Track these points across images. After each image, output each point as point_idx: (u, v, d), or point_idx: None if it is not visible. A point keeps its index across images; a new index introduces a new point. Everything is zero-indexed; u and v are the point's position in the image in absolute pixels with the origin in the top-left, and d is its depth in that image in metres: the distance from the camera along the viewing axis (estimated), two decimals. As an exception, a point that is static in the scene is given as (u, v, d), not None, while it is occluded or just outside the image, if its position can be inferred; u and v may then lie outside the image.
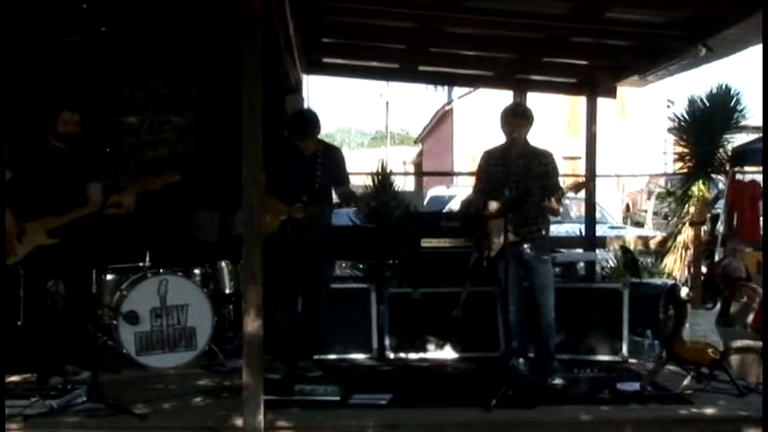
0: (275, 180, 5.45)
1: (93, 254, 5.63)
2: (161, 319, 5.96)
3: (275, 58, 7.08)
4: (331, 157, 5.88)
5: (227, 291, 6.56)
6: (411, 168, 32.40)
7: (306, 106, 8.46)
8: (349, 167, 6.13)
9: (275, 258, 5.31)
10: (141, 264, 6.18)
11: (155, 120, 7.75)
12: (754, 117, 10.35)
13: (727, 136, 9.70)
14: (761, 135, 9.24)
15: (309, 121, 5.83)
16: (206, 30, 7.43)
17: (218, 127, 7.55)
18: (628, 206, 19.08)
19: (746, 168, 9.05)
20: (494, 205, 5.78)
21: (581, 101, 8.50)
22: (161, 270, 6.08)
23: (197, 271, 6.38)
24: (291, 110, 7.06)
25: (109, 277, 6.27)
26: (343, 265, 9.29)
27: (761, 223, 8.44)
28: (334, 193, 5.94)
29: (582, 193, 7.18)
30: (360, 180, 10.03)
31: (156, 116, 7.74)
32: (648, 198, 17.20)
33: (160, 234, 6.43)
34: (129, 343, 5.91)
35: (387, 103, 35.51)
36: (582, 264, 8.19)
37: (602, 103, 8.36)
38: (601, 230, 10.10)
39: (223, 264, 6.55)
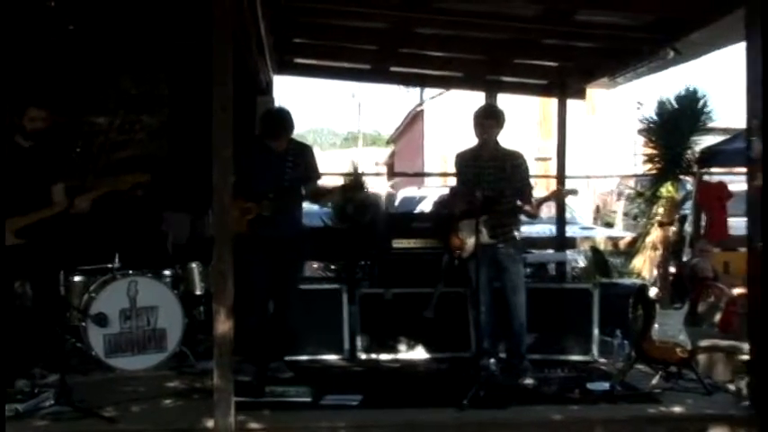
0: (245, 179, 5.42)
1: (60, 255, 5.56)
2: (130, 321, 5.91)
3: (247, 58, 7.07)
4: (302, 155, 5.86)
5: (198, 292, 6.52)
6: (383, 169, 32.44)
7: (278, 105, 8.43)
8: (321, 168, 6.10)
9: (246, 258, 5.29)
10: (110, 265, 6.11)
11: (125, 120, 7.68)
12: (720, 119, 10.51)
13: (695, 138, 9.85)
14: (728, 137, 9.37)
15: (283, 119, 5.81)
16: (177, 29, 7.38)
17: (189, 127, 7.50)
18: (598, 207, 19.23)
19: (714, 170, 9.18)
20: (466, 206, 5.81)
21: (553, 102, 8.56)
22: (130, 271, 6.03)
23: (167, 272, 6.33)
24: (263, 110, 7.03)
25: (77, 279, 6.20)
26: (315, 265, 9.28)
27: (728, 224, 8.56)
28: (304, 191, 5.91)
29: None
30: (332, 181, 10.01)
31: (127, 116, 7.67)
32: (618, 199, 17.35)
33: (130, 235, 6.37)
34: (97, 345, 5.85)
35: (359, 103, 35.75)
36: (552, 264, 8.26)
37: (573, 104, 8.44)
38: (571, 231, 10.22)
39: (194, 265, 6.51)
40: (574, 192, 6.23)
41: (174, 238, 6.80)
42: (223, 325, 4.51)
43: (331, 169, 11.19)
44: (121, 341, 5.89)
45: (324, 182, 6.30)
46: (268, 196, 5.62)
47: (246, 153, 5.55)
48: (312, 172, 5.90)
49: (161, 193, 6.53)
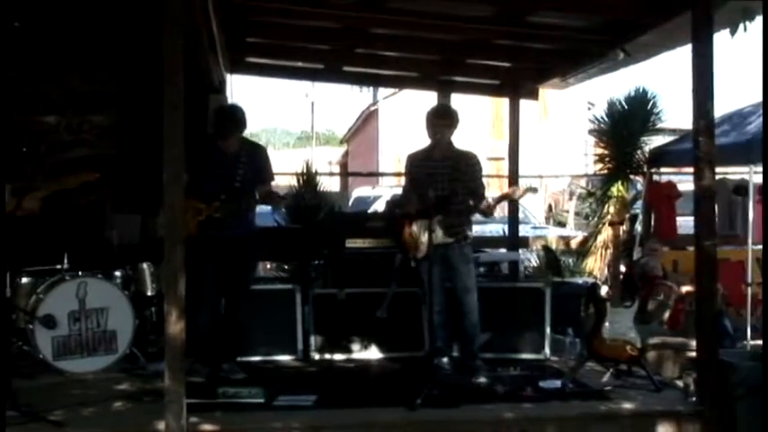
0: (196, 179, 5.37)
1: (6, 256, 5.46)
2: (80, 323, 5.83)
3: (198, 56, 7.00)
4: (255, 156, 5.83)
5: (149, 293, 6.46)
6: (336, 169, 32.39)
7: (230, 102, 8.36)
8: (274, 168, 6.07)
9: (197, 259, 5.25)
10: (59, 266, 6.02)
11: (73, 119, 7.55)
12: (670, 120, 10.69)
13: (645, 138, 10.03)
14: (677, 137, 9.53)
15: (234, 116, 5.76)
16: (126, 26, 7.28)
17: (139, 126, 7.40)
18: (550, 206, 19.44)
19: (663, 170, 9.34)
20: (419, 207, 5.83)
21: (505, 102, 8.64)
22: (80, 273, 5.94)
23: (118, 273, 6.26)
24: (214, 108, 6.97)
25: (24, 280, 6.10)
26: (268, 266, 9.24)
27: (677, 223, 8.71)
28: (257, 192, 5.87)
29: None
30: (285, 180, 9.97)
31: (75, 116, 7.54)
32: (570, 198, 17.56)
33: (79, 236, 6.27)
34: (45, 348, 5.76)
35: (312, 103, 35.45)
36: (505, 263, 8.30)
37: (525, 104, 8.51)
38: (524, 230, 10.31)
39: (145, 265, 6.45)
40: (533, 189, 6.25)
41: (125, 238, 6.71)
42: (174, 326, 4.47)
43: (284, 169, 11.10)
44: (70, 343, 5.81)
45: (277, 182, 6.26)
46: (219, 198, 5.57)
47: (198, 153, 5.48)
48: (265, 173, 5.87)
49: (111, 192, 6.47)
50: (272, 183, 6.01)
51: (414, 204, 5.94)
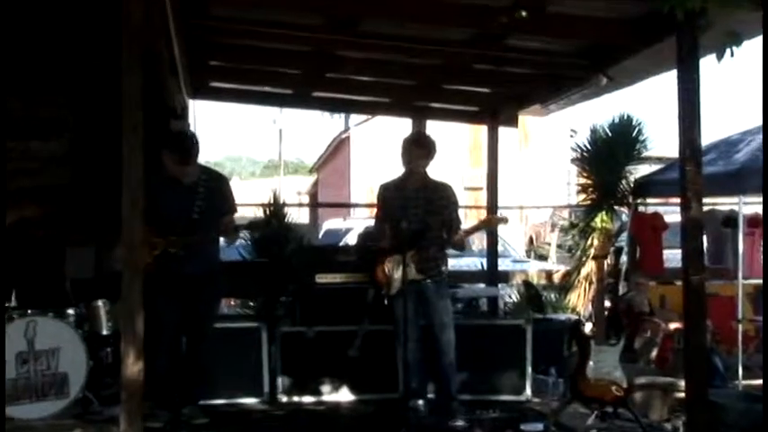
0: (152, 211, 5.31)
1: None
2: (28, 365, 5.74)
3: (158, 80, 6.98)
4: (214, 187, 5.81)
5: (105, 332, 6.39)
6: (306, 199, 32.38)
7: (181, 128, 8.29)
8: (240, 198, 6.08)
9: (156, 296, 5.22)
10: (6, 304, 5.93)
11: (18, 147, 7.42)
12: (655, 147, 10.82)
13: (630, 167, 10.13)
14: (663, 166, 9.64)
15: (184, 142, 5.73)
16: (82, 47, 7.24)
17: (95, 154, 7.35)
18: (531, 239, 19.54)
19: (649, 200, 9.42)
20: (392, 241, 5.84)
21: (483, 129, 8.70)
22: (29, 311, 5.87)
23: (70, 311, 6.19)
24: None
25: (-32, 319, 6.01)
26: (232, 302, 9.18)
27: (663, 257, 8.78)
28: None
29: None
30: (250, 212, 9.94)
31: (16, 143, 7.39)
32: (552, 231, 17.66)
33: (28, 271, 6.21)
34: (-9, 392, 5.66)
35: (280, 130, 35.49)
36: (483, 299, 8.31)
37: (505, 132, 8.56)
38: (503, 264, 10.30)
39: (100, 303, 6.38)
40: (503, 220, 6.30)
41: (78, 273, 6.64)
42: (132, 367, 4.44)
43: (250, 199, 11.07)
44: (18, 387, 5.72)
45: (242, 213, 6.24)
46: (175, 231, 5.55)
47: (155, 182, 5.42)
48: (226, 204, 5.85)
49: (63, 224, 6.39)
50: (236, 214, 5.99)
51: (387, 238, 5.93)
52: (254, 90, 8.77)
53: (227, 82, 8.62)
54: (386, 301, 5.98)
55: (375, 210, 6.25)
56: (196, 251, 5.62)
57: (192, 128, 8.91)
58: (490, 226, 6.22)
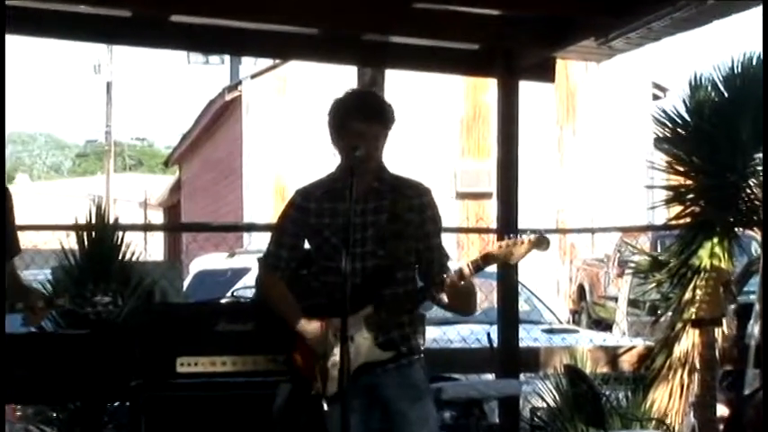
0: None
1: None
2: None
3: None
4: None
5: None
6: (158, 216, 25.81)
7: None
8: (29, 217, 4.78)
9: None
10: None
11: None
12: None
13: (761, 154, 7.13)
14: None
15: None
16: None
17: None
18: (581, 289, 15.54)
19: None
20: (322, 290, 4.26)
21: (489, 88, 6.98)
22: None
23: None
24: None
25: None
26: (18, 413, 6.48)
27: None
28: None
29: (492, 267, 5.04)
30: (53, 240, 6.88)
31: None
32: (620, 275, 13.22)
33: None
34: None
35: (108, 85, 25.67)
36: (494, 403, 6.48)
37: (531, 92, 7.06)
38: (530, 336, 7.81)
39: None
40: (542, 243, 4.04)
41: None
42: None
43: (51, 216, 7.84)
44: None
45: (35, 244, 5.07)
46: None
47: None
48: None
49: None
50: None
51: (312, 288, 4.35)
52: (61, 11, 6.27)
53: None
54: (326, 406, 4.25)
55: (276, 233, 4.38)
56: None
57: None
58: (511, 259, 4.06)
